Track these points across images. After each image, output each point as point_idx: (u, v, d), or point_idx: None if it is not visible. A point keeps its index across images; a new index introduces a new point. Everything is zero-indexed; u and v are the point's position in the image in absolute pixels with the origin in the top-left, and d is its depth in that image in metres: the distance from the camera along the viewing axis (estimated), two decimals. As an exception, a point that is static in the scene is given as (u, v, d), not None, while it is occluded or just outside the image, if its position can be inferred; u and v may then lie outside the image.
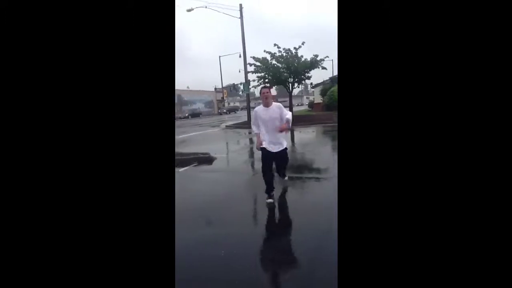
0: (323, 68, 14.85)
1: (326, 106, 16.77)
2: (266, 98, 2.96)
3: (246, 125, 13.08)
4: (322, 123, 12.40)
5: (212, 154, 5.89)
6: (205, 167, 5.11)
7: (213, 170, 4.94)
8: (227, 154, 6.85)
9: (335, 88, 16.27)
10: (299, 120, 13.09)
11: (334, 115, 12.48)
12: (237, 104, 37.77)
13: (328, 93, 16.68)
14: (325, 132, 9.80)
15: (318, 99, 21.24)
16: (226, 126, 13.58)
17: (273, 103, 3.04)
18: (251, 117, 3.32)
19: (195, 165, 5.17)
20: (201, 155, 5.69)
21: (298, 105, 26.68)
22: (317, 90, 22.98)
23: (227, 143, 8.61)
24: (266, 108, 3.00)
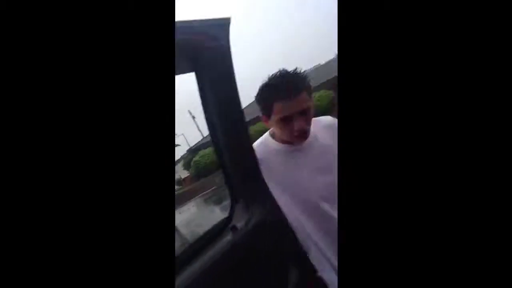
0: (177, 145, 14.79)
1: (196, 176, 16.59)
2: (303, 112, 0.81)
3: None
4: (202, 194, 11.86)
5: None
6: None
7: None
8: None
9: (198, 157, 16.45)
10: (177, 203, 12.01)
11: (209, 180, 12.25)
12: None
13: (192, 164, 16.66)
14: (215, 201, 9.26)
15: (184, 174, 20.91)
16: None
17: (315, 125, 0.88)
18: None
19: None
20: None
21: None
22: (179, 167, 22.68)
23: None
24: (294, 150, 0.87)
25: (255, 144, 0.88)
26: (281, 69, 0.82)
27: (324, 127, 0.91)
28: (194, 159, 16.65)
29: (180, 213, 9.70)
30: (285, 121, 0.80)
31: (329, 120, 0.94)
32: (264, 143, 0.90)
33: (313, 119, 0.90)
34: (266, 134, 0.92)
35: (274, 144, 0.88)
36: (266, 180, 0.79)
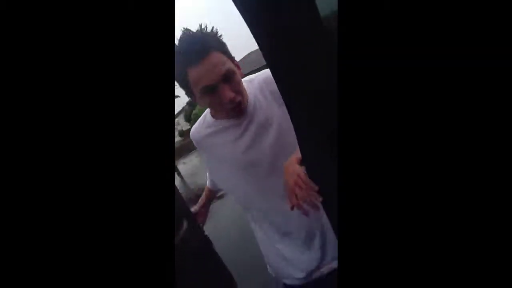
0: (177, 96, 14.88)
1: (197, 129, 16.71)
2: (229, 81, 0.67)
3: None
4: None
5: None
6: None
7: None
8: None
9: (197, 110, 16.49)
10: (179, 153, 12.43)
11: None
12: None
13: (192, 116, 16.67)
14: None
15: (185, 126, 21.21)
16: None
17: (248, 84, 0.77)
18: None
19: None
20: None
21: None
22: (180, 118, 22.91)
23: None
24: (231, 126, 0.76)
25: (196, 122, 0.84)
26: (184, 28, 0.67)
27: (259, 86, 0.76)
28: (194, 111, 16.62)
29: (184, 163, 10.22)
30: (208, 93, 0.67)
31: (263, 75, 0.78)
32: (202, 120, 0.82)
33: (246, 79, 0.78)
34: (207, 110, 0.80)
35: (211, 120, 0.78)
36: (210, 159, 0.83)
